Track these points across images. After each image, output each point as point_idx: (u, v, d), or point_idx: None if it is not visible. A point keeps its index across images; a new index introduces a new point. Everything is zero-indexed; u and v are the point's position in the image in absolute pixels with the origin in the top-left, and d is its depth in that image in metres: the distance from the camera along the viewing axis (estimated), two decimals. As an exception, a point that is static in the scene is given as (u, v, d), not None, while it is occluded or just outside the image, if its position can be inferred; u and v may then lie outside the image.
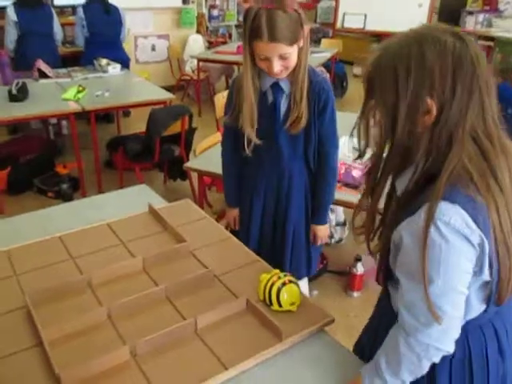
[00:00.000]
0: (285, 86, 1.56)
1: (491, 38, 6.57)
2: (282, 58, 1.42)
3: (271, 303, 1.20)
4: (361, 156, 0.96)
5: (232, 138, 1.69)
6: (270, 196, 1.73)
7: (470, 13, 6.85)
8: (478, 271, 0.87)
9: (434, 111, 0.83)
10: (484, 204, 0.82)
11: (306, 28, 1.45)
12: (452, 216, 0.81)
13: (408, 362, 0.92)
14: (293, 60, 1.46)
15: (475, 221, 0.81)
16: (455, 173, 0.82)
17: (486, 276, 0.88)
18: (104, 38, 4.32)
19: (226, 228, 1.76)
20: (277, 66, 1.43)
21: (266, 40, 1.37)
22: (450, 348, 0.89)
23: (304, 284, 1.94)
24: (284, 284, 1.19)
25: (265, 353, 1.07)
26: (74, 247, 1.45)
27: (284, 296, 1.18)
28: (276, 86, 1.57)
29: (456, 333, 0.89)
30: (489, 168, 0.84)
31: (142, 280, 1.32)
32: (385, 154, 0.92)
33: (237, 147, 1.69)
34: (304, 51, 1.48)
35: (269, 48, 1.39)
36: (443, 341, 0.88)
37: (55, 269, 1.36)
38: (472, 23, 6.83)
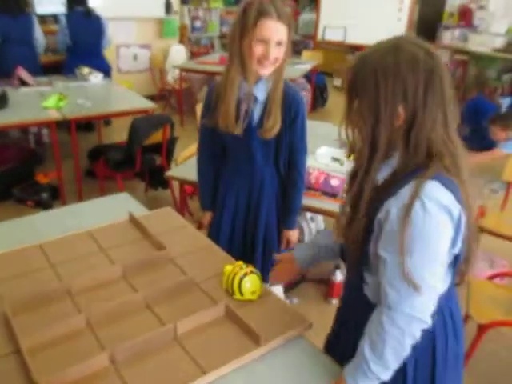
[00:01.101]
0: (260, 94, 1.61)
1: (466, 52, 6.77)
2: (279, 44, 1.51)
3: (233, 292, 1.27)
4: (351, 150, 1.04)
5: (209, 144, 1.75)
6: (242, 200, 1.78)
7: (447, 27, 7.05)
8: (452, 243, 0.95)
9: (402, 117, 0.93)
10: (458, 184, 0.94)
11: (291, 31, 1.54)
12: (437, 192, 0.91)
13: (392, 340, 0.95)
14: (283, 52, 1.54)
15: (456, 197, 0.92)
16: (439, 166, 0.93)
17: (457, 249, 0.97)
18: (86, 47, 4.32)
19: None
20: (274, 50, 1.50)
21: (275, 18, 1.46)
22: (428, 320, 0.95)
23: (279, 288, 1.97)
24: (245, 274, 1.27)
25: (243, 358, 1.09)
26: (53, 255, 1.45)
27: (245, 285, 1.26)
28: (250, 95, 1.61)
29: (433, 305, 0.96)
30: (456, 165, 0.96)
31: (122, 287, 1.33)
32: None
33: (213, 153, 1.75)
34: (287, 55, 1.56)
35: (274, 28, 1.48)
36: (424, 311, 0.94)
37: (35, 276, 1.35)
38: (448, 38, 7.02)
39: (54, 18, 4.79)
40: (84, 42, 4.30)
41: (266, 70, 1.56)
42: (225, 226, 1.82)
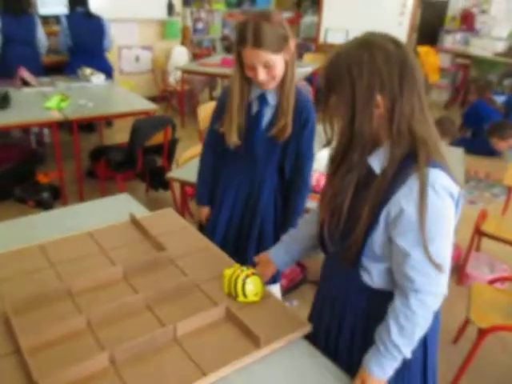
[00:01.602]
0: (271, 98, 1.63)
1: (468, 56, 6.78)
2: (267, 66, 1.49)
3: (237, 295, 1.27)
4: (329, 143, 1.10)
5: (215, 143, 1.76)
6: (240, 198, 1.79)
7: (448, 31, 7.07)
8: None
9: (382, 106, 0.98)
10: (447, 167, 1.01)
11: (292, 42, 1.52)
12: (441, 178, 0.97)
13: (422, 319, 1.03)
14: (278, 70, 1.52)
15: (452, 179, 0.99)
16: (426, 152, 0.98)
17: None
18: (87, 48, 4.33)
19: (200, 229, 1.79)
20: (261, 73, 1.50)
21: (251, 46, 1.45)
22: (446, 292, 1.04)
23: (276, 289, 1.97)
24: (247, 276, 1.27)
25: (243, 360, 1.09)
26: (54, 255, 1.45)
27: (248, 287, 1.26)
28: (262, 98, 1.63)
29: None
30: (438, 150, 1.02)
31: (122, 288, 1.33)
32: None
33: (217, 151, 1.77)
34: (290, 65, 1.55)
35: (253, 54, 1.46)
36: (446, 286, 1.03)
37: (35, 277, 1.36)
38: (450, 41, 7.04)
39: (57, 18, 4.81)
40: (85, 43, 4.31)
41: (268, 86, 1.57)
42: (221, 223, 1.83)
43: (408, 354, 1.05)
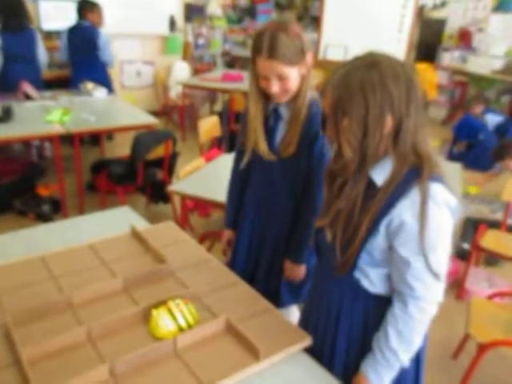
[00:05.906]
0: (283, 112, 1.56)
1: (466, 73, 6.86)
2: (281, 78, 1.44)
3: (188, 324, 1.20)
4: (336, 160, 1.12)
5: (238, 164, 1.69)
6: (258, 215, 1.71)
7: (446, 49, 7.16)
8: None
9: (390, 124, 1.00)
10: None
11: (309, 55, 1.47)
12: (441, 192, 1.01)
13: (421, 325, 1.07)
14: (292, 83, 1.46)
15: (449, 191, 1.03)
16: (430, 166, 1.02)
17: None
18: (81, 61, 4.36)
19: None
20: (275, 85, 1.45)
21: (265, 56, 1.41)
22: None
23: (294, 310, 1.87)
24: (183, 302, 1.24)
25: (243, 372, 1.09)
26: (55, 267, 1.46)
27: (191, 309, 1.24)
28: (275, 113, 1.57)
29: None
30: (436, 163, 1.05)
31: (123, 300, 1.33)
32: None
33: (241, 173, 1.71)
34: (306, 79, 1.50)
35: (267, 65, 1.42)
36: (442, 293, 1.07)
37: (36, 288, 1.36)
38: (448, 59, 7.13)
39: (58, 34, 4.85)
40: (79, 56, 4.34)
41: (281, 99, 1.51)
42: (240, 251, 1.76)
43: (406, 362, 1.08)
